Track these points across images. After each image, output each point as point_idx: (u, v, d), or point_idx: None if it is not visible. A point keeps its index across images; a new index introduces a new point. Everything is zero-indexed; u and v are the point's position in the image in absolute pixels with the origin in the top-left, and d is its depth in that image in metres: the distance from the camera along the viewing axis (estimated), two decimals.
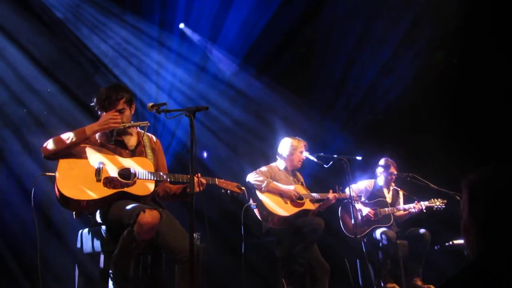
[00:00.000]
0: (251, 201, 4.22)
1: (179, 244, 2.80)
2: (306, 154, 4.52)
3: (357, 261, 4.10)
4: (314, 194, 4.43)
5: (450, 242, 5.28)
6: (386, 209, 5.03)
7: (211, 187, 3.10)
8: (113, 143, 3.04)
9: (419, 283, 4.88)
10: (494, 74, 5.62)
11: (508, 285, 1.10)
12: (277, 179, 4.36)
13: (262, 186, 4.17)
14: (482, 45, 5.67)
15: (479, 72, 5.74)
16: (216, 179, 3.12)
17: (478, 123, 5.69)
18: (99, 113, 3.05)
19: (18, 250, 4.02)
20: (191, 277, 2.39)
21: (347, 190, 4.67)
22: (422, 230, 5.00)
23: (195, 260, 2.67)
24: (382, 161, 5.33)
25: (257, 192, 4.19)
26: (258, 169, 4.37)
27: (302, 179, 4.67)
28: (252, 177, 4.24)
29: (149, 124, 3.14)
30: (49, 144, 2.82)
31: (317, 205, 4.46)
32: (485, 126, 5.61)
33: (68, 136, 2.82)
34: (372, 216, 4.93)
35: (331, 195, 4.44)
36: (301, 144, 4.53)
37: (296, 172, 4.66)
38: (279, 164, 4.57)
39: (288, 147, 4.52)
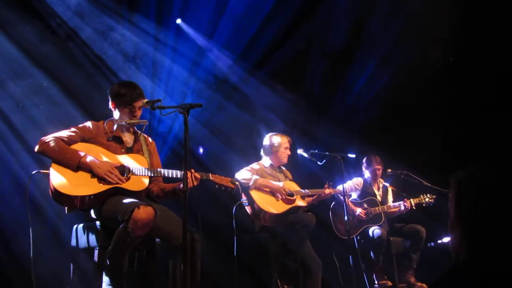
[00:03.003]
0: (243, 197, 4.21)
1: (174, 230, 2.83)
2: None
3: (350, 258, 4.13)
4: (305, 190, 4.42)
5: (444, 240, 5.32)
6: (377, 208, 5.07)
7: (206, 183, 3.12)
8: (111, 139, 3.07)
9: (412, 280, 4.92)
10: (489, 72, 5.64)
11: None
12: (264, 176, 4.32)
13: (250, 184, 4.13)
14: (478, 42, 5.68)
15: (475, 69, 5.76)
16: (210, 174, 3.13)
17: (473, 121, 5.70)
18: (115, 107, 3.09)
19: (12, 246, 4.02)
20: (185, 264, 2.41)
21: (339, 187, 4.71)
22: (417, 227, 5.05)
23: (191, 247, 2.70)
24: (365, 158, 5.38)
25: (247, 191, 4.17)
26: (245, 167, 4.33)
27: (290, 175, 4.63)
28: (239, 176, 4.20)
29: (147, 123, 3.17)
30: (47, 147, 2.82)
31: (309, 199, 4.45)
32: (480, 124, 5.63)
33: (66, 153, 2.82)
34: (364, 216, 4.98)
35: (327, 191, 4.45)
36: (285, 139, 4.50)
37: (283, 169, 4.63)
38: (265, 161, 4.52)
39: (273, 144, 4.49)
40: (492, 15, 5.48)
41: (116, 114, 3.14)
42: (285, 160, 4.52)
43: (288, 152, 4.52)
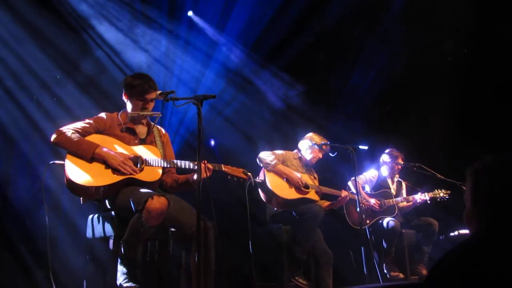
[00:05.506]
0: (261, 176, 4.30)
1: (187, 219, 2.86)
2: (312, 143, 4.55)
3: (362, 249, 4.13)
4: (324, 188, 4.48)
5: (456, 232, 5.30)
6: (391, 200, 5.05)
7: (218, 174, 3.14)
8: (125, 130, 3.11)
9: (424, 271, 4.92)
10: (504, 64, 5.56)
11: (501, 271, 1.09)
12: (288, 165, 4.42)
13: (270, 164, 4.24)
14: (493, 34, 5.61)
15: (489, 61, 5.69)
16: (222, 165, 3.14)
17: (487, 113, 5.65)
18: (128, 99, 3.13)
19: (28, 236, 4.08)
20: (199, 253, 2.42)
21: (349, 183, 4.73)
22: (430, 220, 5.05)
23: (204, 236, 2.73)
24: (387, 151, 5.32)
25: (264, 171, 4.27)
26: (273, 150, 4.46)
27: (316, 175, 4.70)
28: (263, 154, 4.32)
29: (161, 115, 3.20)
30: (62, 138, 2.87)
31: (328, 203, 4.52)
32: (494, 116, 5.57)
33: (80, 144, 2.86)
34: (377, 207, 4.96)
35: (343, 193, 4.51)
36: (322, 143, 4.57)
37: (312, 169, 4.70)
38: (296, 153, 4.65)
39: (309, 143, 4.58)
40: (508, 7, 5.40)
41: (128, 105, 3.17)
42: (313, 161, 4.62)
43: (320, 156, 4.62)
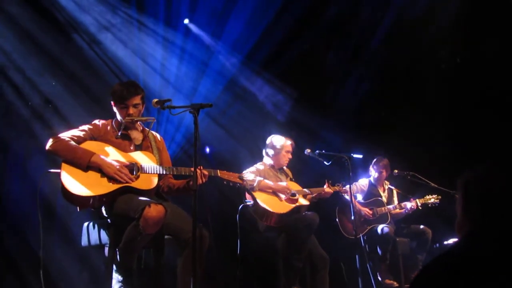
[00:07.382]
0: (247, 197, 4.21)
1: (183, 225, 2.86)
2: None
3: (356, 257, 4.14)
4: (306, 190, 4.41)
5: (450, 241, 5.33)
6: (383, 208, 5.08)
7: (213, 180, 3.15)
8: (119, 137, 3.10)
9: None
10: (496, 73, 5.63)
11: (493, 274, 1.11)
12: (266, 177, 4.31)
13: (254, 185, 4.10)
14: (485, 43, 5.68)
15: (481, 70, 5.75)
16: (218, 170, 3.16)
17: (480, 122, 5.70)
18: (114, 106, 3.13)
19: (23, 244, 4.06)
20: (193, 260, 2.42)
21: (346, 187, 4.72)
22: (423, 228, 5.08)
23: (199, 243, 2.72)
24: (374, 160, 5.38)
25: (252, 192, 4.14)
26: (249, 169, 4.33)
27: (290, 174, 4.61)
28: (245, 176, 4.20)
29: (155, 120, 3.20)
30: (57, 147, 2.86)
31: (310, 197, 4.43)
32: (487, 125, 5.62)
33: (76, 152, 2.85)
34: (370, 216, 4.99)
35: (326, 189, 4.43)
36: (288, 143, 4.46)
37: (284, 168, 4.60)
38: (267, 161, 4.51)
39: (275, 146, 4.45)
40: (500, 15, 5.48)
41: (116, 113, 3.16)
42: (285, 163, 4.50)
43: (289, 156, 4.49)
